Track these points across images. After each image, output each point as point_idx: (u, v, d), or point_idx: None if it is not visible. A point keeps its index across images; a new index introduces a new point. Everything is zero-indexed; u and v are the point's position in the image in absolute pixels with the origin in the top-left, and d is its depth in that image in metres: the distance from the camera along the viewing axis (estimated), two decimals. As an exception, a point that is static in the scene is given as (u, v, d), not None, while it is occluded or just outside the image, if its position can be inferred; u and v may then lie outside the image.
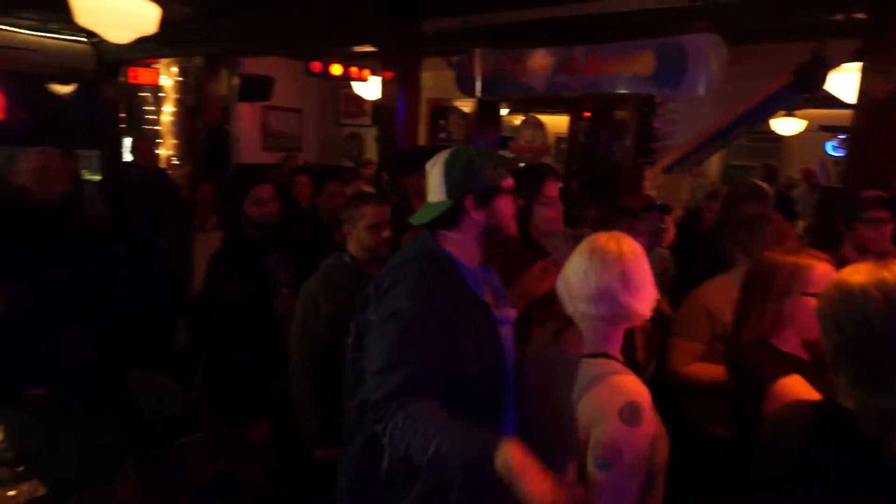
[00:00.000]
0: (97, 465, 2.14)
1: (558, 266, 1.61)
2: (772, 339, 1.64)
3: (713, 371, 2.07)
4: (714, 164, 6.84)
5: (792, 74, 3.64)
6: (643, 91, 4.00)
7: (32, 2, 5.48)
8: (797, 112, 6.35)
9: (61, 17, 5.84)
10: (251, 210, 2.83)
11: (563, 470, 1.30)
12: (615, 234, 1.50)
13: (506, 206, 1.60)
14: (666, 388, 2.11)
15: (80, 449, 2.24)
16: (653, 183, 5.70)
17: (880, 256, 2.37)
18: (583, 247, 1.48)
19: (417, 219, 1.61)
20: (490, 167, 1.58)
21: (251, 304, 2.84)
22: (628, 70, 3.76)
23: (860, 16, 2.95)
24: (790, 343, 1.64)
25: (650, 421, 1.37)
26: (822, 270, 1.61)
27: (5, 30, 6.58)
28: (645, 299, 1.44)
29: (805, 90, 3.69)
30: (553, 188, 2.21)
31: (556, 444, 1.46)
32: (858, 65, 2.95)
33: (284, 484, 2.27)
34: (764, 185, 3.33)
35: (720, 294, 2.19)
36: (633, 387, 1.39)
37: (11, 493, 1.86)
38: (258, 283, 2.87)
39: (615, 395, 1.37)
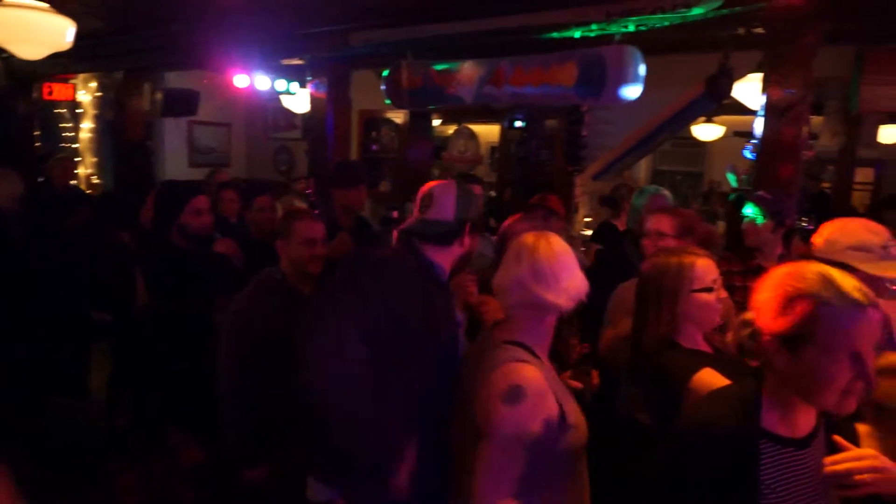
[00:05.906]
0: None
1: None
2: (675, 337, 1.70)
3: None
4: (643, 169, 7.12)
5: (703, 83, 3.87)
6: (568, 101, 4.13)
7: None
8: (716, 118, 6.69)
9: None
10: (189, 220, 2.76)
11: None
12: (541, 233, 1.60)
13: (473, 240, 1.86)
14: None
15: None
16: (583, 189, 5.89)
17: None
18: (512, 243, 1.60)
19: (419, 229, 1.75)
20: (477, 204, 1.85)
21: (184, 315, 2.75)
22: (552, 81, 3.86)
23: (759, 30, 3.16)
24: (693, 339, 1.71)
25: (537, 406, 1.42)
26: (703, 265, 1.70)
27: None
28: (561, 292, 1.50)
29: (715, 98, 3.92)
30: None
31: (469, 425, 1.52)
32: (761, 74, 3.17)
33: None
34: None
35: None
36: (526, 373, 1.45)
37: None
38: (189, 295, 2.79)
39: (504, 377, 1.44)
